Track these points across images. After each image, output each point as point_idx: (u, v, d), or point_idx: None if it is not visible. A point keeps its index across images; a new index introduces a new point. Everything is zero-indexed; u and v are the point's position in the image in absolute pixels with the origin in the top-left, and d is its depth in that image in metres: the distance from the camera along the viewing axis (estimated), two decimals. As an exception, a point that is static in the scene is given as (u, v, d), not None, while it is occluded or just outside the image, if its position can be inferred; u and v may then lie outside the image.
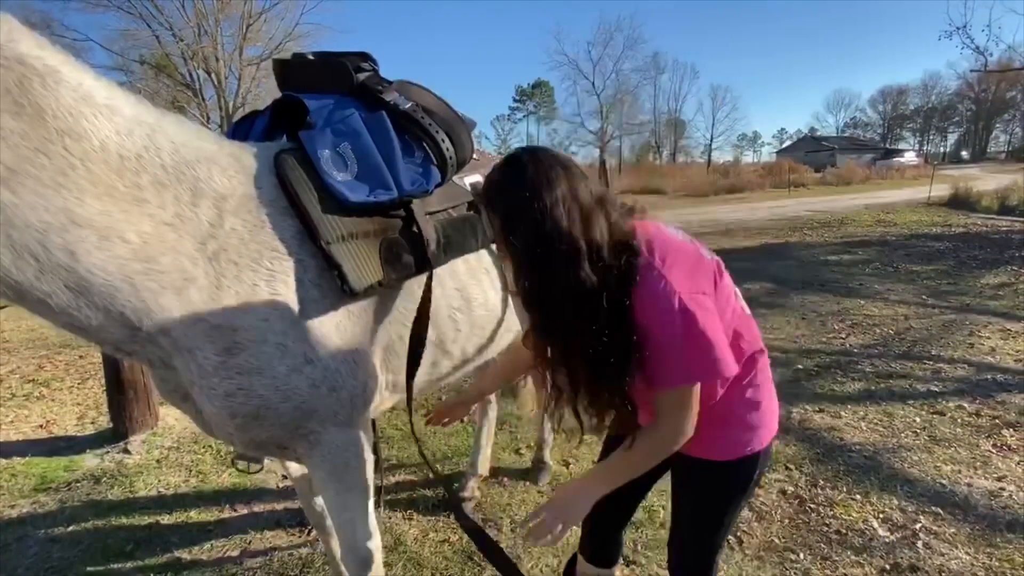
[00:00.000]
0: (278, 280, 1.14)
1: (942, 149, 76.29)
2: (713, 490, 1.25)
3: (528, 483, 2.64)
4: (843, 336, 4.64)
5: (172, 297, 1.04)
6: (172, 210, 1.04)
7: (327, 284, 1.20)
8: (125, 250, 0.98)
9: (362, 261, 1.22)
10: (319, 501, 1.75)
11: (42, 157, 0.88)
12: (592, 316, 0.98)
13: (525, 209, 0.95)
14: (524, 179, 0.96)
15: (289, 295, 1.15)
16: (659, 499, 2.46)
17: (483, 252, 1.64)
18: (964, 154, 67.97)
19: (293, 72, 1.50)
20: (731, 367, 1.02)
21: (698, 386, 1.04)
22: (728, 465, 1.20)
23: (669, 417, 1.06)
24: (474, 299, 1.58)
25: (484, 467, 2.61)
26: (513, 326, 1.83)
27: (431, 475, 2.23)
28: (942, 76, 68.95)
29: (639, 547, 2.16)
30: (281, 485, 2.69)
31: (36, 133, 0.88)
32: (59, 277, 0.93)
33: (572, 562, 1.61)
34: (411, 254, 1.34)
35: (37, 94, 0.88)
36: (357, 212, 1.25)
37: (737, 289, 1.24)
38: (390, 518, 2.39)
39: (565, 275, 0.96)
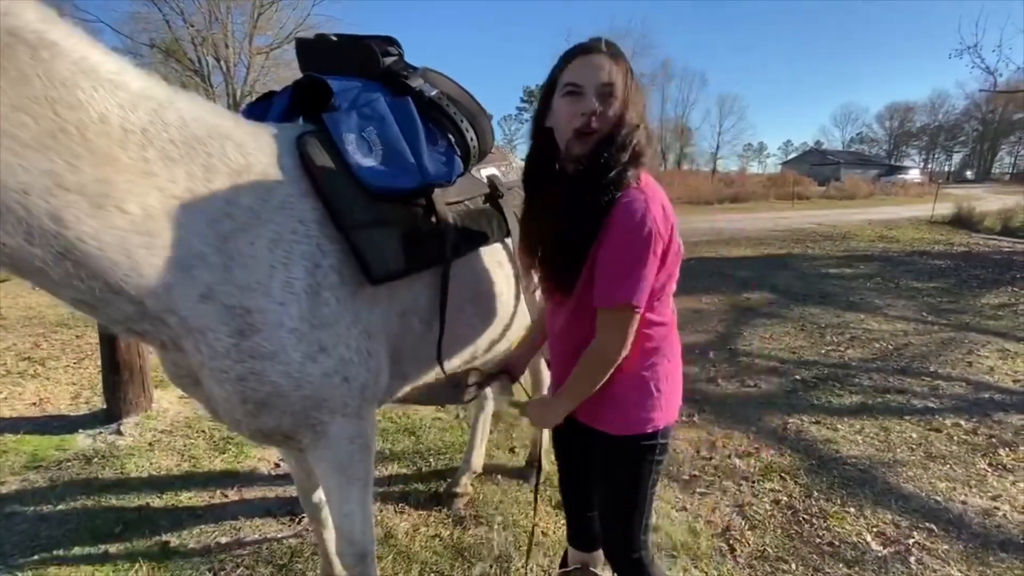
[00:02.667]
0: (296, 263, 1.11)
1: (947, 168, 76.42)
2: (614, 466, 1.33)
3: (521, 482, 2.63)
4: (842, 349, 4.63)
5: (179, 274, 1.01)
6: (183, 185, 1.02)
7: (347, 270, 1.17)
8: (123, 221, 0.95)
9: (384, 249, 1.19)
10: (317, 492, 1.73)
11: (22, 116, 0.85)
12: (597, 180, 1.12)
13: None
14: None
15: (307, 280, 1.12)
16: (652, 503, 2.46)
17: (497, 246, 1.62)
18: (969, 174, 68.09)
19: (317, 53, 1.47)
20: (643, 306, 1.13)
21: (634, 316, 1.14)
22: (626, 440, 1.27)
23: (603, 335, 1.17)
24: (486, 293, 1.57)
25: (478, 464, 2.60)
26: (525, 321, 1.82)
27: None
28: (950, 95, 69.15)
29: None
30: (273, 473, 2.68)
31: (16, 92, 0.84)
32: (50, 244, 0.90)
33: (566, 556, 1.67)
34: (432, 243, 1.32)
35: (23, 63, 0.86)
36: (381, 198, 1.23)
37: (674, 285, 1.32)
38: (381, 511, 2.38)
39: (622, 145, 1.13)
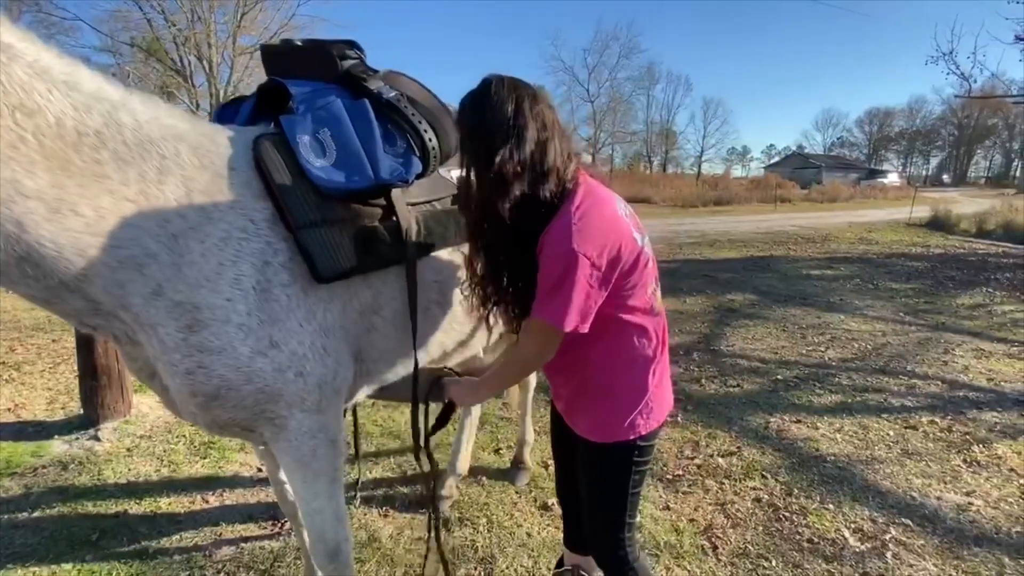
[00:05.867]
0: (245, 261, 1.13)
1: (924, 172, 78.14)
2: (595, 471, 1.36)
3: (506, 483, 2.63)
4: (822, 349, 4.71)
5: (132, 272, 1.04)
6: (136, 187, 1.04)
7: (298, 268, 1.19)
8: (78, 224, 0.97)
9: (335, 248, 1.21)
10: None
11: None
12: (515, 230, 1.15)
13: (490, 125, 1.12)
14: (491, 99, 1.13)
15: (256, 277, 1.14)
16: (636, 503, 2.47)
17: (466, 247, 1.63)
18: (945, 177, 69.67)
19: (280, 58, 1.50)
20: (572, 324, 1.13)
21: (556, 331, 1.15)
22: (604, 448, 1.30)
23: (527, 342, 1.24)
24: (453, 294, 1.57)
25: (464, 466, 2.60)
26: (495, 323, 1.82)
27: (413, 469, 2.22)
28: (927, 101, 70.79)
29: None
30: (255, 478, 2.65)
31: None
32: (11, 248, 0.93)
33: (562, 559, 1.69)
34: (387, 243, 1.33)
35: None
36: (333, 198, 1.25)
37: (657, 286, 1.32)
38: (365, 515, 2.36)
39: (507, 187, 1.12)
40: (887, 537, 2.27)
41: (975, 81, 11.90)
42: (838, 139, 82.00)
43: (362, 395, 1.52)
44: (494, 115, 1.12)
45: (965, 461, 2.90)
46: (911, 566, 2.12)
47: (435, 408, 1.53)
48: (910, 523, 2.37)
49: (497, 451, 2.97)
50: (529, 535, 2.26)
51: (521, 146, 1.11)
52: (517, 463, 2.70)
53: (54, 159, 0.94)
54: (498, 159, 1.10)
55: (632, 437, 1.28)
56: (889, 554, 2.18)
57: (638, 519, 2.33)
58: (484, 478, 2.67)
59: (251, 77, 21.43)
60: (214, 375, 1.12)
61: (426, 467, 1.57)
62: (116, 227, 1.01)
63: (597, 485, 1.37)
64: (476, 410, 2.66)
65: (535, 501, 2.49)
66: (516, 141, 1.11)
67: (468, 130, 1.16)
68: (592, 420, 1.31)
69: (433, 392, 1.49)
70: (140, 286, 1.05)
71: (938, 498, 2.56)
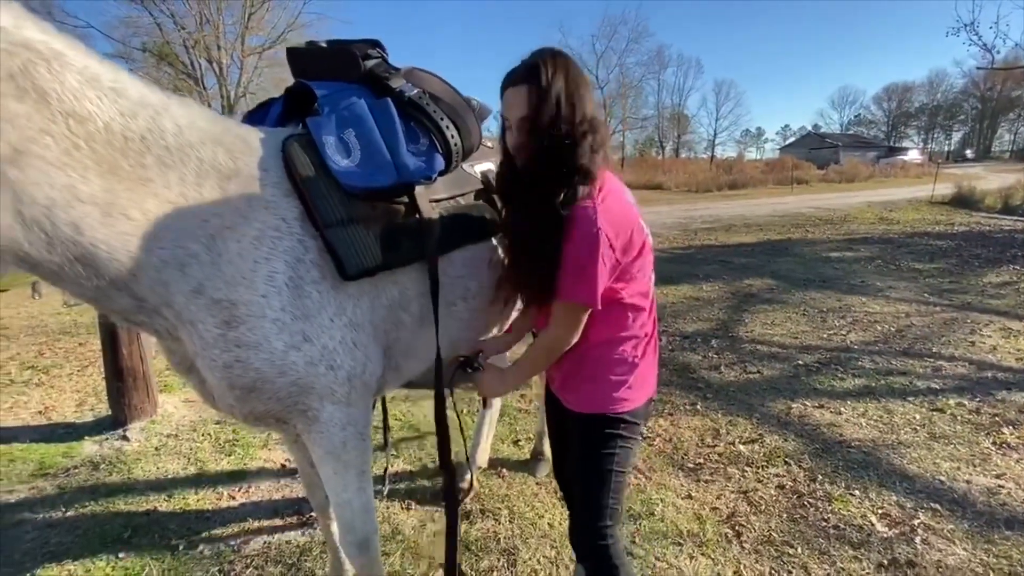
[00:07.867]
0: (278, 258, 1.17)
1: (946, 147, 75.89)
2: (582, 444, 1.40)
3: (527, 474, 2.64)
4: (844, 333, 4.63)
5: (175, 272, 1.09)
6: (177, 189, 1.08)
7: (328, 265, 1.22)
8: (128, 226, 1.02)
9: (360, 245, 1.24)
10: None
11: (47, 138, 0.92)
12: (547, 199, 1.19)
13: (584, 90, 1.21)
14: (579, 76, 1.22)
15: (289, 273, 1.18)
16: (657, 492, 2.47)
17: (491, 242, 1.62)
18: (968, 153, 67.64)
19: (305, 60, 1.52)
20: (597, 304, 1.21)
21: (584, 310, 1.24)
22: (592, 417, 1.36)
23: (556, 325, 1.29)
24: (474, 288, 1.57)
25: (483, 459, 2.61)
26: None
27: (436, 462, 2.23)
28: (948, 74, 68.70)
29: (637, 539, 2.16)
30: (279, 474, 2.69)
31: (40, 115, 0.91)
32: (67, 250, 0.98)
33: None
34: (412, 240, 1.34)
35: (42, 78, 0.91)
36: (359, 197, 1.27)
37: (652, 274, 1.39)
38: (388, 507, 2.39)
39: (560, 152, 1.18)
40: (915, 522, 2.24)
41: (998, 52, 11.53)
42: (855, 117, 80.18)
43: (391, 388, 1.55)
44: (587, 86, 1.23)
45: (995, 443, 2.83)
46: (940, 551, 2.08)
47: (459, 397, 1.53)
48: (939, 507, 2.33)
49: (516, 443, 2.97)
50: (551, 526, 2.27)
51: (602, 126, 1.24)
52: (537, 455, 2.71)
53: (105, 164, 0.99)
54: (589, 120, 1.20)
55: (619, 410, 1.34)
56: (918, 539, 2.14)
57: (659, 509, 2.32)
58: (504, 470, 2.68)
59: (260, 77, 21.63)
60: (251, 369, 1.17)
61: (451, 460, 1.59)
62: (161, 229, 1.06)
63: (582, 460, 1.39)
64: (497, 403, 2.67)
65: (556, 492, 2.49)
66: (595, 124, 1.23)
67: (568, 87, 1.20)
68: (583, 393, 1.37)
69: (458, 376, 1.50)
70: (182, 284, 1.10)
71: (967, 481, 2.51)
